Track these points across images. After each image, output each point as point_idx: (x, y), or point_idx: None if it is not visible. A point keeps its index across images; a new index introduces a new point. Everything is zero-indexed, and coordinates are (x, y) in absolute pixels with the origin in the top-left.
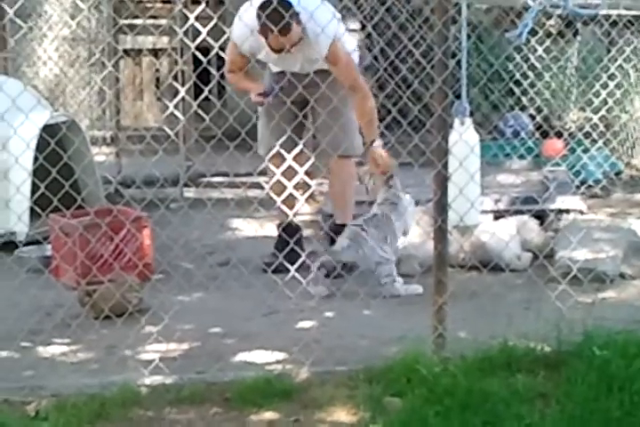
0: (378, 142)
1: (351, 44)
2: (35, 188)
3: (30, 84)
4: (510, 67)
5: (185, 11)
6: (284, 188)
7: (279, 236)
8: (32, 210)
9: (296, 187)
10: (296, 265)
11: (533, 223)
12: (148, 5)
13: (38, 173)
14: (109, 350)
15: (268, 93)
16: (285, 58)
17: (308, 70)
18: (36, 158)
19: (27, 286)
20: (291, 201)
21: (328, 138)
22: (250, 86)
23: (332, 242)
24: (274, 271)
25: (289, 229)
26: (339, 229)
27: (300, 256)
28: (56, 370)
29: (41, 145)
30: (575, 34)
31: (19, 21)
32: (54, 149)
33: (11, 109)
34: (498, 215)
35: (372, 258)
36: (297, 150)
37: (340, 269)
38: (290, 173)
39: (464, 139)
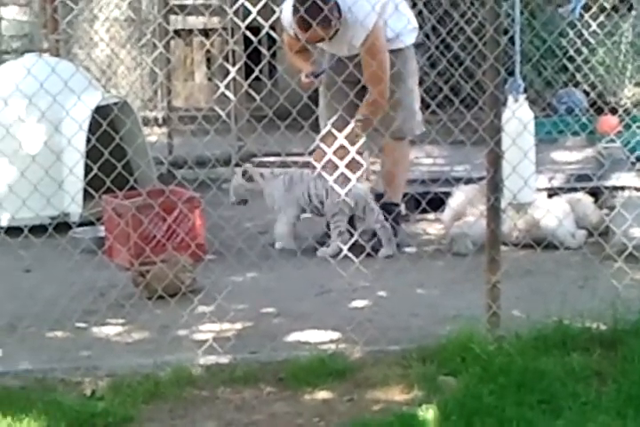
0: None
1: (404, 21)
2: (88, 169)
3: (82, 66)
4: (564, 43)
5: None
6: (336, 167)
7: None
8: (85, 191)
9: (348, 166)
10: (348, 244)
11: (588, 201)
12: None
13: (91, 154)
14: (163, 330)
15: (316, 75)
16: (331, 44)
17: (354, 53)
18: (88, 140)
19: (80, 266)
20: (343, 180)
21: (380, 118)
22: (301, 66)
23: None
24: None
25: None
26: (389, 207)
27: (351, 235)
28: (111, 350)
29: (93, 126)
30: (630, 8)
31: (70, 3)
32: (106, 130)
33: (63, 91)
34: (552, 193)
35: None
36: (349, 130)
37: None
38: (341, 153)
39: (517, 116)
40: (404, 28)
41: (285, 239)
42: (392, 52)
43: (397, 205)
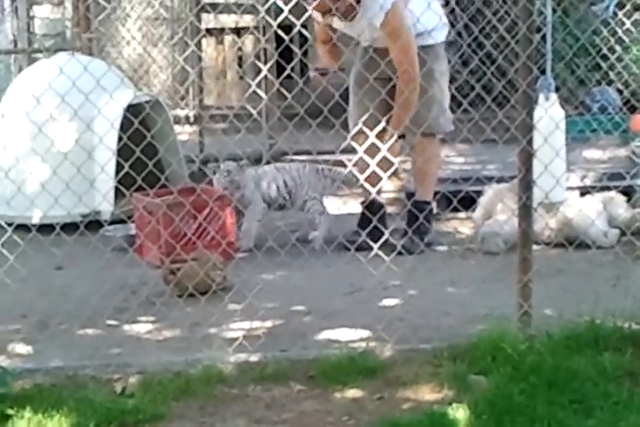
0: (393, 134)
1: (435, 17)
2: (119, 167)
3: (114, 65)
4: (597, 41)
5: None
6: (368, 165)
7: (362, 213)
8: (116, 189)
9: (379, 164)
10: (379, 242)
11: (621, 199)
12: None
13: (122, 152)
14: (194, 327)
15: (322, 73)
16: (352, 26)
17: (375, 37)
18: (120, 138)
19: (112, 264)
20: (374, 179)
21: (412, 115)
22: (321, 61)
23: (415, 219)
24: (357, 249)
25: (372, 207)
26: (420, 205)
27: (382, 234)
28: (141, 348)
29: (125, 125)
30: None
31: (102, 2)
32: (138, 128)
33: (95, 90)
34: (584, 192)
35: None
36: (380, 128)
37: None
38: (373, 151)
39: (549, 114)
40: (435, 24)
41: (246, 240)
42: (422, 48)
43: (429, 203)
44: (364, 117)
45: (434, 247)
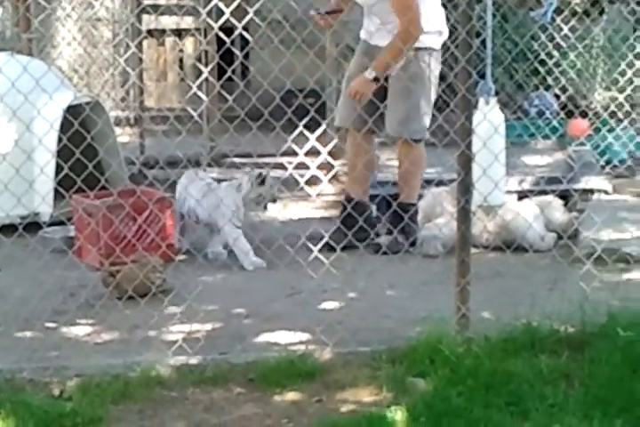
0: (370, 74)
1: (424, 21)
2: (58, 168)
3: (54, 65)
4: (535, 46)
5: None
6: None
7: (345, 213)
8: (56, 191)
9: (320, 167)
10: (319, 245)
11: (558, 203)
12: None
13: (62, 153)
14: (133, 330)
15: (321, 13)
16: None
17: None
18: (59, 139)
19: (50, 266)
20: (361, 179)
21: (395, 118)
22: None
23: (400, 220)
24: (343, 249)
25: (357, 207)
26: (405, 207)
27: (368, 234)
28: (80, 350)
29: (65, 126)
30: (601, 12)
31: (43, 2)
32: (78, 129)
33: (35, 90)
34: (522, 195)
35: None
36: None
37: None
38: (359, 151)
39: (488, 119)
40: (425, 28)
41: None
42: (417, 49)
43: (414, 204)
44: (352, 118)
45: (419, 248)
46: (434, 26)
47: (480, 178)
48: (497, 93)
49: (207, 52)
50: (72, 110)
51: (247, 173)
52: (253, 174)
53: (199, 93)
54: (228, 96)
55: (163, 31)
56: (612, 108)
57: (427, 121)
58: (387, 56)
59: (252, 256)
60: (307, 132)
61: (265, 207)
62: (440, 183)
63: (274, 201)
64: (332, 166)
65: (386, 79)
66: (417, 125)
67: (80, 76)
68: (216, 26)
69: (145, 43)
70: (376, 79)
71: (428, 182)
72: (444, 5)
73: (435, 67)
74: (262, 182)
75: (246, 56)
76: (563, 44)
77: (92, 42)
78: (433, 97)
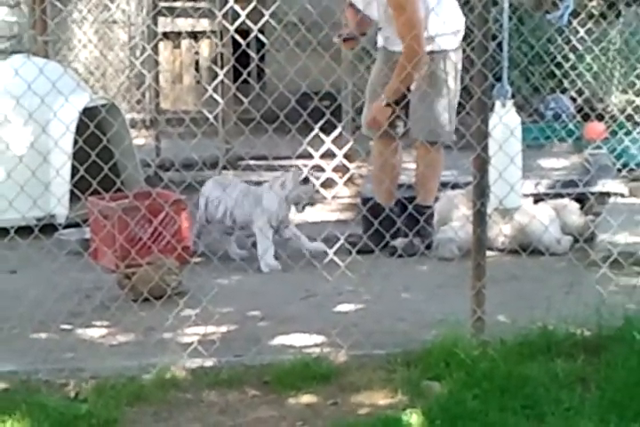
0: (382, 101)
1: (439, 23)
2: (74, 171)
3: (70, 68)
4: (552, 49)
5: None
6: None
7: (365, 216)
8: (72, 193)
9: (335, 170)
10: (334, 248)
11: (574, 207)
12: None
13: (78, 155)
14: (148, 332)
15: (347, 38)
16: (369, 2)
17: (387, 18)
18: (75, 141)
19: (66, 268)
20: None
21: (415, 121)
22: (347, 27)
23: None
24: (358, 252)
25: (378, 210)
26: (421, 209)
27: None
28: (95, 352)
29: (80, 128)
30: (618, 15)
31: (59, 5)
32: (94, 132)
33: (51, 93)
34: (538, 199)
35: None
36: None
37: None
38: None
39: (504, 122)
40: (441, 30)
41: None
42: (429, 53)
43: (429, 207)
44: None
45: (434, 251)
46: (450, 27)
47: (496, 181)
48: (513, 96)
49: (223, 55)
50: (88, 112)
51: (292, 171)
52: (298, 173)
53: (215, 96)
54: (243, 98)
55: (179, 33)
56: (629, 111)
57: (444, 124)
58: (395, 82)
59: (269, 258)
60: (322, 135)
61: (303, 209)
62: (456, 186)
63: (312, 204)
64: (348, 169)
65: (408, 87)
66: (433, 128)
67: (96, 79)
68: (232, 28)
69: (161, 45)
70: (389, 105)
71: (444, 185)
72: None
73: (451, 68)
74: (305, 182)
75: (262, 58)
76: (579, 46)
77: (108, 44)
78: (453, 99)
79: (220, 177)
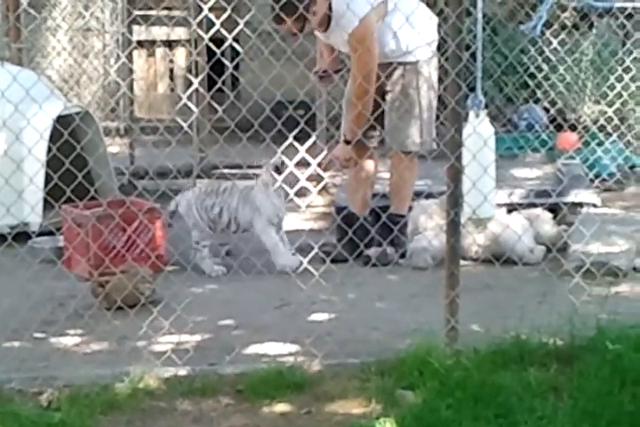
0: (341, 140)
1: (413, 34)
2: (48, 178)
3: (44, 75)
4: (525, 59)
5: (199, 2)
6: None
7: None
8: (45, 201)
9: (309, 179)
10: (309, 257)
11: (547, 217)
12: None
13: (51, 163)
14: (122, 341)
15: (322, 76)
16: (327, 35)
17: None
18: (49, 149)
19: (40, 276)
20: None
21: (388, 131)
22: (321, 63)
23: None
24: (332, 261)
25: (352, 219)
26: (394, 218)
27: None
28: (69, 361)
29: (54, 136)
30: (590, 26)
31: (33, 12)
32: (68, 139)
33: (24, 100)
34: (511, 208)
35: None
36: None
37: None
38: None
39: (478, 131)
40: (414, 41)
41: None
42: (401, 64)
43: (403, 216)
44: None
45: (408, 260)
46: (423, 38)
47: (470, 191)
48: (487, 106)
49: (197, 63)
50: (62, 120)
51: (264, 167)
52: (270, 165)
53: (189, 104)
54: (218, 107)
55: (153, 42)
56: (601, 121)
57: (416, 134)
58: (351, 125)
59: (282, 259)
60: (297, 144)
61: (287, 196)
62: (429, 195)
63: (294, 186)
64: (322, 178)
65: (383, 96)
66: (405, 138)
67: (70, 87)
68: (206, 37)
69: (135, 53)
70: (348, 142)
71: (418, 195)
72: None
73: (423, 79)
74: (278, 171)
75: (236, 67)
76: (552, 57)
77: (83, 52)
78: (427, 109)
79: (196, 188)
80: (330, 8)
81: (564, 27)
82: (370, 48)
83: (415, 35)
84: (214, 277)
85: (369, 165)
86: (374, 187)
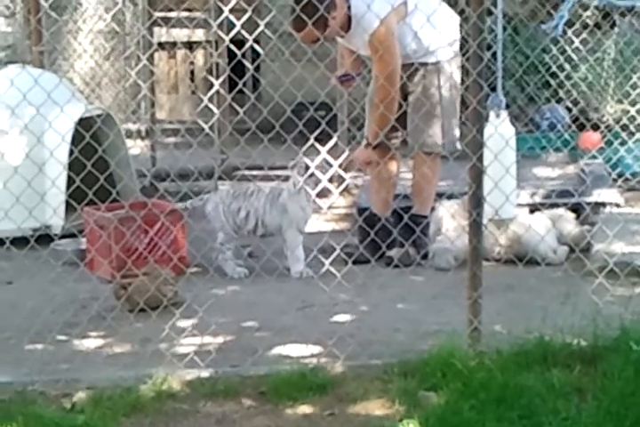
0: (363, 143)
1: (434, 34)
2: (70, 181)
3: (66, 78)
4: (546, 59)
5: (219, 3)
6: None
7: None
8: (67, 203)
9: (331, 180)
10: (330, 258)
11: (569, 217)
12: None
13: (73, 166)
14: (144, 343)
15: (344, 79)
16: (348, 39)
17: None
18: (71, 152)
19: (62, 278)
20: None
21: (410, 131)
22: (342, 68)
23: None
24: (354, 262)
25: (374, 220)
26: (416, 219)
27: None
28: (91, 363)
29: (76, 138)
30: (612, 25)
31: (54, 15)
32: (89, 142)
33: (46, 103)
34: (534, 209)
35: None
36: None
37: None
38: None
39: (499, 132)
40: (438, 40)
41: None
42: (423, 64)
43: (425, 217)
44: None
45: (430, 261)
46: (445, 38)
47: (491, 191)
48: (508, 106)
49: (218, 65)
50: (83, 123)
51: (296, 167)
52: (301, 166)
53: (210, 106)
54: (239, 109)
55: (174, 44)
56: (624, 120)
57: (438, 135)
58: (374, 127)
59: (301, 266)
60: (318, 145)
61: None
62: (452, 196)
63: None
64: (344, 179)
65: (405, 97)
66: (427, 139)
67: (91, 89)
68: (227, 38)
69: (156, 55)
70: (369, 145)
71: (440, 195)
72: None
73: (445, 79)
74: (307, 170)
75: (257, 69)
76: (574, 56)
77: (104, 54)
78: (450, 109)
79: (231, 185)
80: (349, 11)
81: (585, 26)
82: (391, 48)
83: (436, 35)
84: (236, 278)
85: (391, 165)
86: (396, 188)
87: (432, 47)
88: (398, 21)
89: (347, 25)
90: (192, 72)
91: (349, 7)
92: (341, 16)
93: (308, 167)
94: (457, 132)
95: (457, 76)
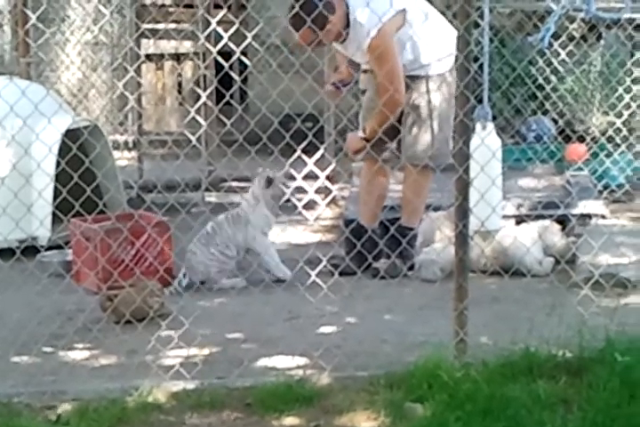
0: (360, 133)
1: (427, 48)
2: (57, 192)
3: (53, 89)
4: (533, 71)
5: (207, 15)
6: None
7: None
8: (54, 215)
9: (317, 191)
10: (317, 269)
11: (555, 228)
12: (171, 10)
13: (60, 177)
14: (130, 354)
15: (338, 86)
16: (345, 47)
17: (367, 59)
18: (57, 163)
19: (48, 290)
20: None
21: (402, 143)
22: (339, 74)
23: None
24: (341, 274)
25: (361, 232)
26: (404, 231)
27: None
28: (77, 375)
29: (63, 150)
30: (598, 38)
31: (41, 26)
32: (76, 153)
33: (33, 114)
34: (519, 220)
35: None
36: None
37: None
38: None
39: (486, 143)
40: (430, 54)
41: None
42: (414, 77)
43: (412, 229)
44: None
45: (417, 273)
46: (439, 52)
47: (477, 203)
48: (494, 118)
49: (205, 77)
50: (70, 134)
51: (256, 179)
52: (263, 176)
53: (197, 118)
54: (226, 120)
55: (161, 55)
56: (610, 132)
57: (427, 147)
58: (374, 123)
59: (281, 266)
60: (305, 157)
61: (278, 210)
62: (438, 208)
63: (287, 200)
64: (330, 191)
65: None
66: (416, 151)
67: (79, 100)
68: (214, 50)
69: (143, 67)
70: (365, 139)
71: (426, 207)
72: None
73: (436, 93)
74: (269, 185)
75: (245, 80)
76: (560, 68)
77: (91, 66)
78: (442, 123)
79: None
80: (348, 16)
81: (572, 38)
82: (390, 48)
83: (431, 48)
84: (233, 289)
85: (381, 178)
86: (385, 200)
87: (425, 60)
88: (396, 29)
89: (344, 30)
90: (179, 84)
91: (348, 14)
92: (339, 20)
93: (270, 180)
94: (450, 146)
95: (452, 90)
